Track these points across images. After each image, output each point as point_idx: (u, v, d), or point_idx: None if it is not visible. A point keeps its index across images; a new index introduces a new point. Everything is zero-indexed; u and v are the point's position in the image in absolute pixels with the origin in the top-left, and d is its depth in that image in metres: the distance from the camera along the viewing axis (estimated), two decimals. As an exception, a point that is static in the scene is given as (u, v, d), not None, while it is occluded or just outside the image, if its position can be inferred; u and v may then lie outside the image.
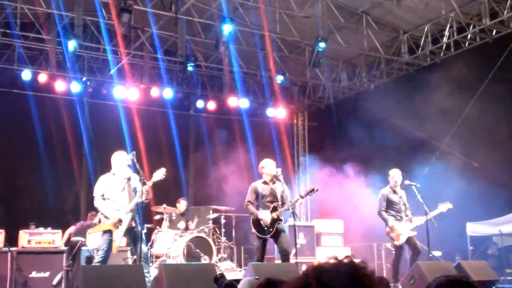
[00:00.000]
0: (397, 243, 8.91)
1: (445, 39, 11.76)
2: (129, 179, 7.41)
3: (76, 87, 11.88)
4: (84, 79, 12.04)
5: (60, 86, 11.73)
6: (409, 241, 8.90)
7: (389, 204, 9.04)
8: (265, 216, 7.78)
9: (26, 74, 11.40)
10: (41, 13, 10.90)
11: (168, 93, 12.58)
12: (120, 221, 7.20)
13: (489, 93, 11.26)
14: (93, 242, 9.67)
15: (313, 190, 8.09)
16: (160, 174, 7.32)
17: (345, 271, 1.40)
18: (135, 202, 7.25)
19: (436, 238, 9.51)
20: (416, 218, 8.94)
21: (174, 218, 10.41)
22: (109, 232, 7.24)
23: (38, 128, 11.67)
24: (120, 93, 12.26)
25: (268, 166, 8.01)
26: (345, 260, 1.46)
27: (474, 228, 12.91)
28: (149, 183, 7.25)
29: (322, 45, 11.10)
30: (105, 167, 7.78)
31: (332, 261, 1.46)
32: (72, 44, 10.03)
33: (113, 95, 12.29)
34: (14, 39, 11.23)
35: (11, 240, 9.35)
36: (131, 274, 6.69)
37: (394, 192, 9.09)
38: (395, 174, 9.12)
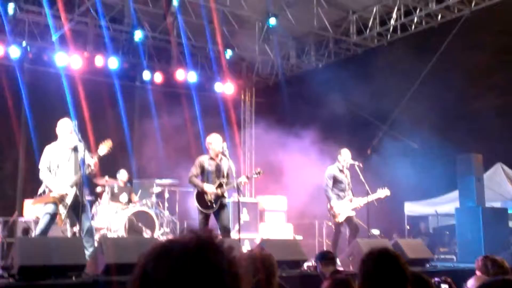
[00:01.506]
0: (337, 220, 9.15)
1: (392, 22, 11.94)
2: (75, 148, 7.24)
3: (15, 52, 11.40)
4: (24, 44, 11.58)
5: (-2, 50, 11.26)
6: (348, 220, 9.15)
7: (335, 182, 9.24)
8: (210, 189, 7.79)
9: (-40, 37, 10.87)
10: (-22, -29, 10.36)
11: (113, 62, 12.27)
12: (66, 195, 7.05)
13: (432, 77, 11.59)
14: (30, 213, 9.46)
15: (259, 172, 8.26)
16: (105, 147, 7.18)
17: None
18: (80, 175, 7.10)
19: (375, 217, 9.81)
20: (356, 199, 9.18)
21: (116, 191, 10.25)
22: (52, 204, 7.07)
23: (-26, 95, 11.20)
24: (63, 61, 11.85)
25: (215, 142, 7.99)
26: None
27: (412, 208, 13.41)
28: (95, 157, 7.12)
29: (272, 21, 11.08)
30: (46, 136, 7.58)
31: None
32: (11, 7, 9.63)
33: (55, 62, 11.89)
34: None
35: None
36: (69, 245, 6.57)
37: (341, 171, 9.29)
38: (345, 154, 9.31)
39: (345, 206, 9.14)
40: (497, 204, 11.85)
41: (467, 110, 11.69)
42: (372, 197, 9.06)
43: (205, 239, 1.31)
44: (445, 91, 11.22)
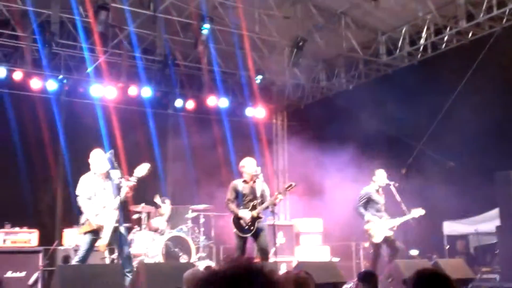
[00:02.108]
0: (374, 240, 9.04)
1: (422, 41, 11.90)
2: (109, 177, 7.39)
3: (52, 85, 11.78)
4: (60, 77, 11.94)
5: (36, 84, 11.62)
6: (387, 240, 9.03)
7: (371, 203, 9.17)
8: (245, 214, 7.82)
9: (1, 72, 11.26)
10: (16, 10, 10.76)
11: (146, 92, 12.55)
12: (102, 226, 7.17)
13: (466, 94, 11.44)
14: (70, 241, 9.62)
15: (291, 185, 8.16)
16: (144, 169, 7.32)
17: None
18: (119, 200, 7.25)
19: (413, 237, 9.67)
20: (391, 220, 9.08)
21: (152, 218, 10.35)
22: (92, 232, 7.20)
23: (14, 127, 11.51)
24: (98, 92, 12.19)
25: (248, 165, 8.05)
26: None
27: (451, 227, 13.12)
28: (133, 179, 7.26)
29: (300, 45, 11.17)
30: (83, 166, 7.73)
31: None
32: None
33: (90, 93, 12.21)
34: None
35: (-15, 240, 9.25)
36: (109, 273, 6.67)
37: (377, 191, 9.23)
38: (380, 175, 9.27)
39: (383, 225, 9.04)
40: (540, 221, 11.53)
41: (504, 126, 11.47)
42: (406, 217, 8.96)
43: (249, 267, 1.37)
44: (480, 108, 11.06)
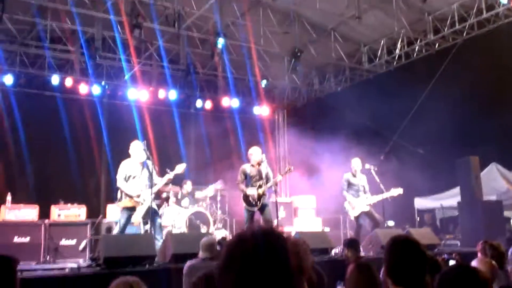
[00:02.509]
0: (351, 214, 9.06)
1: (397, 51, 11.81)
2: (145, 164, 7.40)
3: (96, 90, 11.79)
4: (103, 83, 11.95)
5: (83, 89, 11.63)
6: (365, 214, 9.01)
7: (351, 186, 9.17)
8: (253, 192, 7.82)
9: (55, 79, 11.27)
10: (67, 28, 10.77)
11: (172, 94, 12.53)
12: (144, 200, 7.21)
13: (433, 95, 11.38)
14: (112, 215, 9.65)
15: (290, 169, 8.21)
16: (181, 168, 7.45)
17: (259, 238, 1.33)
18: (157, 187, 7.30)
19: (390, 211, 9.63)
20: (371, 197, 9.06)
21: (179, 197, 10.35)
22: (129, 208, 7.23)
23: (66, 124, 11.53)
24: (133, 95, 12.18)
25: (255, 153, 8.04)
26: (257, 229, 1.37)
27: (421, 203, 13.10)
28: (172, 174, 7.32)
29: (297, 55, 11.10)
30: (121, 155, 7.75)
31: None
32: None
33: (127, 96, 12.21)
34: (44, 50, 11.09)
35: (45, 214, 9.30)
36: (143, 240, 6.69)
37: (354, 176, 9.20)
38: (355, 162, 9.24)
39: (360, 203, 9.02)
40: (493, 197, 11.47)
41: (464, 121, 11.38)
42: (386, 194, 8.92)
43: (269, 228, 1.39)
44: (445, 106, 10.97)
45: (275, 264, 1.27)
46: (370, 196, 9.09)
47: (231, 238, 1.40)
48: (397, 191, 8.96)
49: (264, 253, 1.29)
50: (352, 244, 5.88)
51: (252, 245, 1.30)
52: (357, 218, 9.06)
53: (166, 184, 8.04)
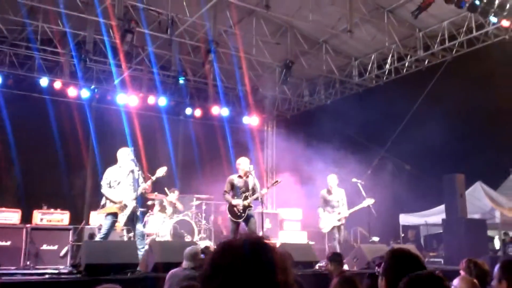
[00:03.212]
0: (324, 231, 9.14)
1: (387, 66, 11.90)
2: (132, 171, 7.34)
3: (85, 94, 11.70)
4: (92, 87, 11.86)
5: (72, 92, 11.53)
6: (338, 229, 9.05)
7: (326, 202, 9.20)
8: (237, 202, 7.79)
9: (44, 81, 11.17)
10: (57, 31, 10.70)
11: (162, 101, 12.48)
12: (125, 206, 7.13)
13: (422, 111, 11.48)
14: (95, 221, 9.54)
15: (276, 181, 8.25)
16: (161, 171, 7.40)
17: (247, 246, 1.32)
18: (139, 192, 7.23)
19: (375, 226, 9.65)
20: (344, 211, 9.08)
21: (164, 204, 10.27)
22: (113, 214, 7.16)
23: (54, 126, 11.42)
24: (122, 100, 12.10)
25: (243, 163, 8.03)
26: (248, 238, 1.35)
27: (405, 219, 13.13)
28: (153, 178, 7.28)
29: (288, 66, 11.16)
30: (109, 160, 7.68)
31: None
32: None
33: (116, 101, 12.13)
34: (34, 52, 11.01)
35: (26, 218, 9.18)
36: (126, 248, 6.62)
37: (330, 192, 9.22)
38: (330, 179, 9.28)
39: (332, 218, 9.06)
40: (477, 216, 11.54)
41: (451, 139, 11.50)
42: (358, 206, 9.02)
43: (257, 237, 1.36)
44: (432, 123, 11.07)
45: (261, 275, 1.25)
46: (344, 210, 9.11)
47: (215, 247, 1.37)
48: (367, 202, 9.01)
49: (251, 263, 1.26)
50: (335, 258, 5.87)
51: (239, 255, 1.28)
52: (329, 233, 9.14)
53: (150, 191, 7.98)
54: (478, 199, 12.37)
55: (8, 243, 8.57)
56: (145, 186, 7.24)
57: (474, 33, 10.07)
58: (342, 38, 11.61)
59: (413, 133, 11.21)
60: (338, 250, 8.21)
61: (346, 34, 10.51)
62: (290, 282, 1.31)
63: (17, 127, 11.03)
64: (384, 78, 12.27)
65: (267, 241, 1.35)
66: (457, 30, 10.48)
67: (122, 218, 7.12)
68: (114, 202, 7.15)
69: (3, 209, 9.00)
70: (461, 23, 10.32)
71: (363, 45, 11.79)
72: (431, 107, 11.21)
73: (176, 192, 10.35)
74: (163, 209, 10.08)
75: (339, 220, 9.07)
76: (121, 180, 7.25)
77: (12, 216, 8.93)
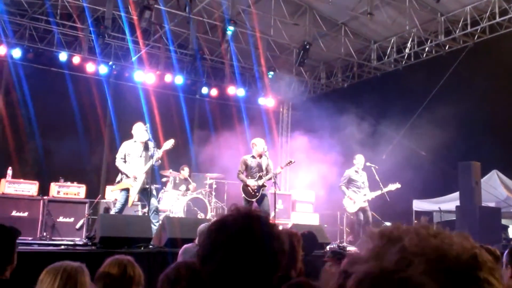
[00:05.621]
0: (349, 210, 9.08)
1: (407, 50, 11.72)
2: (146, 146, 7.39)
3: (103, 69, 11.75)
4: (110, 63, 11.90)
5: (90, 67, 11.58)
6: (362, 210, 9.02)
7: (352, 182, 9.15)
8: (252, 183, 7.81)
9: (62, 56, 11.23)
10: (76, 6, 10.71)
11: (179, 79, 12.48)
12: (135, 178, 7.20)
13: (439, 97, 11.28)
14: (110, 195, 9.67)
15: (290, 162, 8.22)
16: (169, 144, 7.35)
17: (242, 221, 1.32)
18: (150, 165, 7.27)
19: (388, 212, 9.61)
20: (370, 193, 9.07)
21: (177, 181, 10.36)
22: (126, 189, 7.24)
23: (73, 101, 11.49)
24: (140, 77, 12.14)
25: (258, 144, 8.02)
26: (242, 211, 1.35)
27: (419, 205, 13.04)
28: (160, 151, 7.28)
29: (306, 48, 11.03)
30: (126, 136, 7.75)
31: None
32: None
33: (134, 78, 12.17)
34: (53, 26, 11.05)
35: (44, 190, 9.33)
36: (140, 222, 6.70)
37: (357, 172, 9.18)
38: (359, 159, 9.21)
39: (358, 199, 9.03)
40: (492, 204, 11.41)
41: (468, 125, 11.29)
42: (385, 190, 8.93)
43: (250, 211, 1.37)
44: (450, 108, 10.88)
45: (258, 245, 1.27)
46: (369, 192, 9.09)
47: (210, 224, 1.38)
48: (394, 186, 8.96)
49: (248, 235, 1.28)
50: (338, 256, 5.79)
51: (235, 229, 1.29)
52: (355, 213, 9.09)
53: (166, 168, 8.03)
54: (494, 187, 12.21)
55: (26, 214, 8.74)
56: (158, 155, 7.24)
57: (497, 19, 9.81)
58: (362, 21, 11.41)
59: (430, 119, 11.03)
60: (361, 235, 8.25)
61: (366, 16, 10.35)
62: (285, 249, 1.34)
63: (36, 101, 11.14)
64: (403, 62, 12.09)
65: (258, 213, 1.37)
66: (479, 16, 10.22)
67: (133, 192, 7.19)
68: (128, 176, 7.22)
69: (21, 180, 9.15)
70: (484, 8, 10.06)
71: (383, 28, 11.59)
72: (450, 93, 11.00)
73: (186, 169, 10.41)
74: (176, 186, 10.17)
75: (364, 202, 9.06)
76: (136, 154, 7.32)
77: (29, 188, 9.07)
